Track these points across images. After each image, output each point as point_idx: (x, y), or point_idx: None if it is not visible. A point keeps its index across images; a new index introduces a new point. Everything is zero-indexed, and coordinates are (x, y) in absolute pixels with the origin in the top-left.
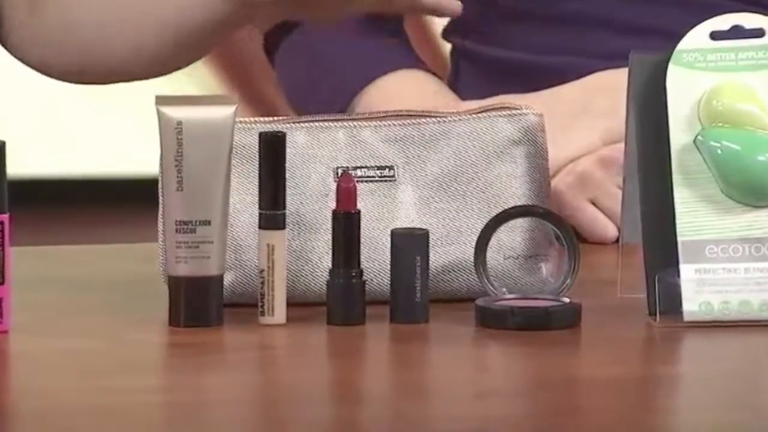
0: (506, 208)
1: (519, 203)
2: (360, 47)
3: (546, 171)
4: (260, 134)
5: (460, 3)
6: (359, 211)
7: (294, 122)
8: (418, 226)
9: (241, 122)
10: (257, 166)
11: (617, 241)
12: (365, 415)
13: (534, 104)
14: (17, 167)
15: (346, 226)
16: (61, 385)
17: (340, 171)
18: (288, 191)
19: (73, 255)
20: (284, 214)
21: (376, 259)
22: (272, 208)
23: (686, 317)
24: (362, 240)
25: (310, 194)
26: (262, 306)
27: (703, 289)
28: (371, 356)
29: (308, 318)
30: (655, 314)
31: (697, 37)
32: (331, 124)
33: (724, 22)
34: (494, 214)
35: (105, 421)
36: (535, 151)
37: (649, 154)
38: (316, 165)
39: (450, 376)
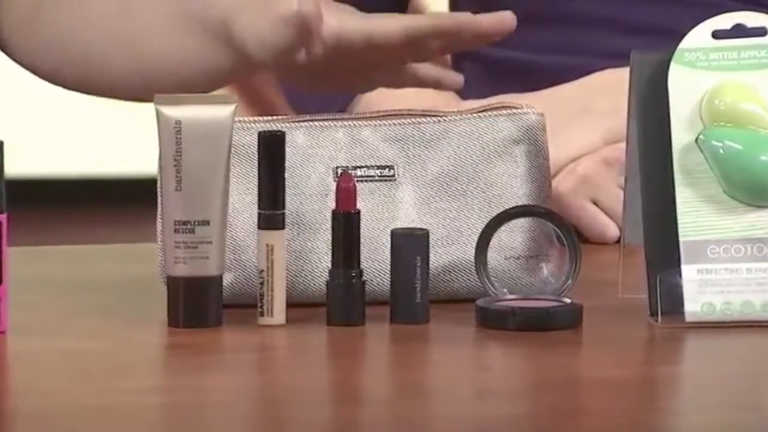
0: (507, 208)
1: (520, 203)
2: None
3: (547, 171)
4: (259, 133)
5: (461, 76)
6: (359, 211)
7: (293, 121)
8: (419, 226)
9: (240, 121)
10: (256, 165)
11: (618, 241)
12: (365, 416)
13: (534, 104)
14: (16, 167)
15: (346, 226)
16: (59, 386)
17: (339, 171)
18: (287, 191)
19: (72, 255)
20: (283, 214)
21: (376, 259)
22: (271, 208)
23: (688, 318)
24: (362, 240)
25: (310, 194)
26: (262, 306)
27: (705, 289)
28: (371, 357)
29: (308, 318)
30: (657, 315)
31: (699, 36)
32: (330, 123)
33: (726, 20)
34: (495, 214)
35: (104, 422)
36: (536, 151)
37: (651, 154)
38: (316, 165)
39: (450, 376)
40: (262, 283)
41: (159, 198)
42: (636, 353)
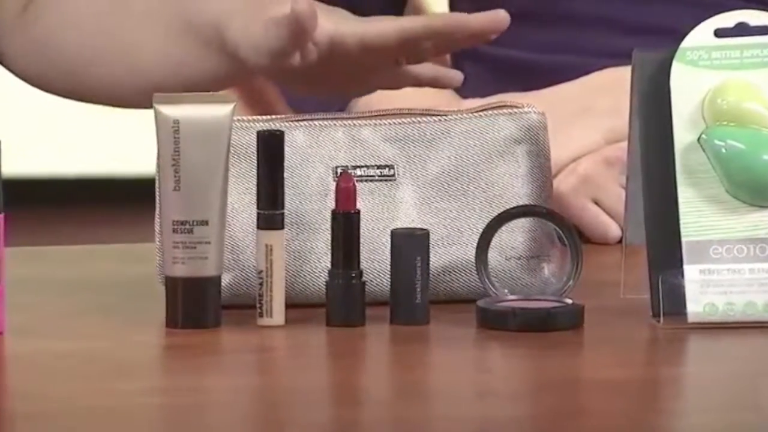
0: (508, 207)
1: (521, 203)
2: None
3: (548, 170)
4: (258, 133)
5: (461, 73)
6: (359, 211)
7: (293, 121)
8: (419, 226)
9: (239, 121)
10: (255, 165)
11: (620, 241)
12: (365, 416)
13: (535, 103)
14: (14, 167)
15: (346, 226)
16: (57, 387)
17: (339, 170)
18: (287, 191)
19: (70, 255)
20: (283, 214)
21: (376, 259)
22: (271, 207)
23: (690, 318)
24: (362, 240)
25: (309, 194)
26: (261, 307)
27: (707, 290)
28: (371, 358)
29: (307, 319)
30: (659, 315)
31: (701, 34)
32: (330, 122)
33: (728, 19)
34: (496, 213)
35: (102, 423)
36: (537, 150)
37: (653, 153)
38: (316, 164)
39: (451, 377)
40: (261, 284)
41: (157, 198)
42: (638, 354)
